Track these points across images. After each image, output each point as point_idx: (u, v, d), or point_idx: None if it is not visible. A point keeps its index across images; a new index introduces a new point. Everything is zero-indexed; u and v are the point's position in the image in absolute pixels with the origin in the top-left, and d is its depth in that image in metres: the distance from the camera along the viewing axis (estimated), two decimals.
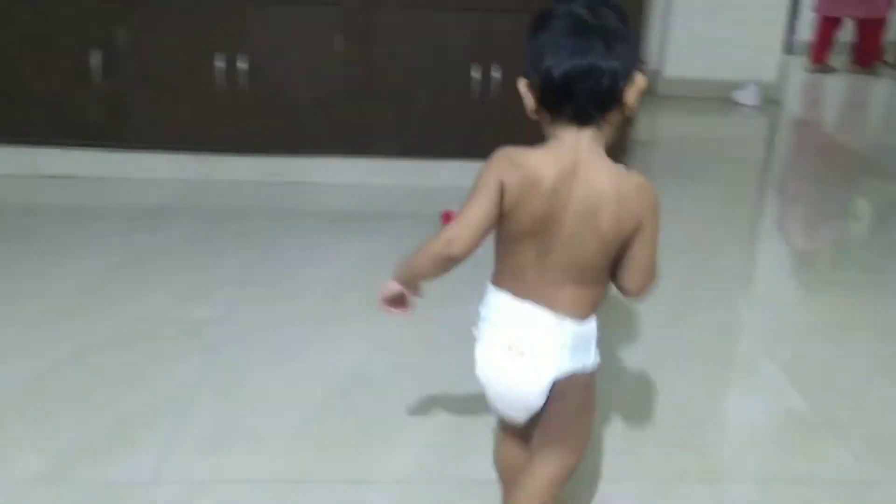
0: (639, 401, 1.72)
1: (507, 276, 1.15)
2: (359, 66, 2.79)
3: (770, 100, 4.70)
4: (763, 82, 4.70)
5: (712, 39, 4.63)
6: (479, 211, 1.11)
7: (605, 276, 1.13)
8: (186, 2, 2.71)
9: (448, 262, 1.15)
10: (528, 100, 1.12)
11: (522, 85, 1.13)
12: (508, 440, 1.26)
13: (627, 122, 1.25)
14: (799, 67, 5.89)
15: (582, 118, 1.07)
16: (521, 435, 1.21)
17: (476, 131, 2.89)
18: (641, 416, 1.67)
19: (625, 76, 1.04)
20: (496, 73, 2.81)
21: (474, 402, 1.66)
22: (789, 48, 6.21)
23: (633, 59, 1.07)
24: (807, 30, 6.33)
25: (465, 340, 1.89)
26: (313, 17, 2.76)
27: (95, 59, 2.71)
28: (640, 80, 1.07)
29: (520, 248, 1.12)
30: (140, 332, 1.89)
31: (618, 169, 1.11)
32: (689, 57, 4.67)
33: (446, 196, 2.85)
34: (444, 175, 2.98)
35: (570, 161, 1.07)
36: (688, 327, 2.05)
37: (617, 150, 3.03)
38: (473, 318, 2.00)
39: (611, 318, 2.04)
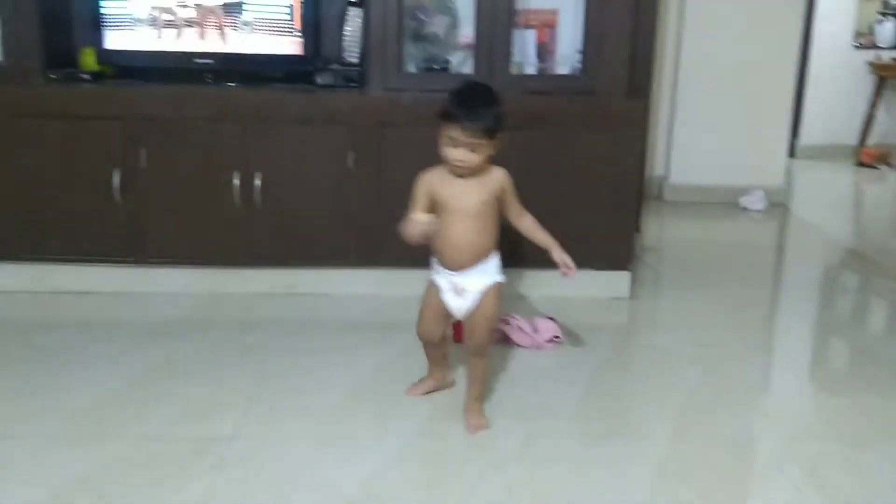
0: None
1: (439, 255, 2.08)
2: (369, 181, 2.88)
3: (777, 204, 4.77)
4: (769, 187, 4.77)
5: (717, 146, 4.75)
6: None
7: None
8: (204, 124, 2.83)
9: None
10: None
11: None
12: (432, 318, 2.10)
13: None
14: (805, 170, 6.00)
15: None
16: (438, 325, 2.11)
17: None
18: None
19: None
20: None
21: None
22: (794, 152, 6.36)
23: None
24: (810, 134, 6.48)
25: (475, 453, 1.89)
26: (327, 137, 2.87)
27: (116, 178, 2.82)
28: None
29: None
30: (150, 452, 1.89)
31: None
32: (694, 163, 4.78)
33: None
34: None
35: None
36: (700, 441, 2.02)
37: (626, 257, 3.07)
38: (482, 433, 1.99)
39: (614, 427, 2.04)
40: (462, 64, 3.06)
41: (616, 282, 3.04)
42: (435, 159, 2.95)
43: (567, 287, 3.00)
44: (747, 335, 2.77)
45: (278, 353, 2.47)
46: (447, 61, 3.06)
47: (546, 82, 3.05)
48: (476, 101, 1.91)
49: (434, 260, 2.06)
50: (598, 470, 1.86)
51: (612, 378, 2.39)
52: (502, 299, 2.09)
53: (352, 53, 3.01)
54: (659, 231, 4.26)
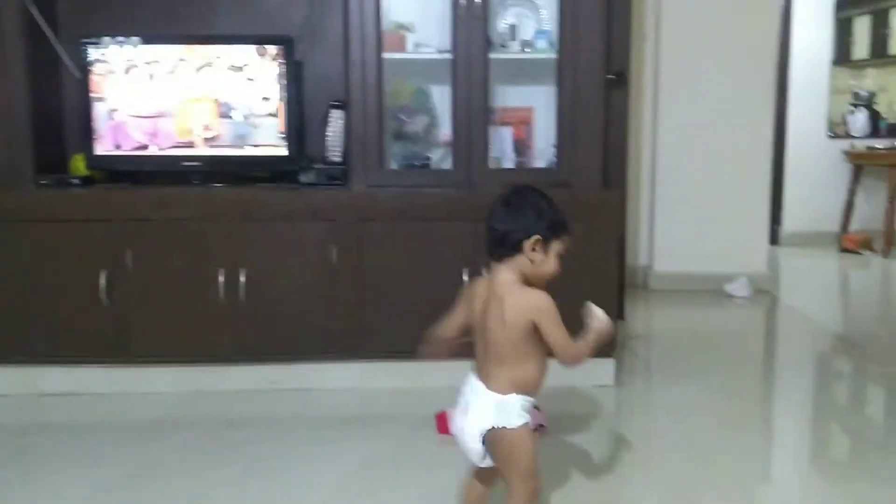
0: None
1: (475, 362, 1.80)
2: (352, 275, 2.93)
3: (762, 291, 4.81)
4: (753, 274, 4.83)
5: (699, 234, 4.83)
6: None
7: (518, 360, 1.73)
8: (190, 223, 2.90)
9: None
10: None
11: None
12: (472, 478, 1.87)
13: (540, 277, 1.77)
14: (790, 257, 6.08)
15: (492, 257, 1.75)
16: (479, 475, 1.85)
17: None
18: None
19: (514, 233, 1.71)
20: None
21: None
22: (778, 240, 6.46)
23: (524, 225, 1.71)
24: (792, 221, 6.60)
25: None
26: (310, 232, 2.94)
27: (102, 280, 2.86)
28: (535, 240, 1.72)
29: (476, 342, 1.80)
30: None
31: (521, 289, 1.72)
32: (677, 252, 4.85)
33: (439, 396, 2.87)
34: (437, 376, 3.02)
35: (492, 284, 1.75)
36: None
37: (609, 345, 3.08)
38: None
39: None
40: (442, 160, 3.16)
41: (600, 370, 3.05)
42: (418, 252, 3.02)
43: (551, 375, 3.02)
44: (735, 422, 2.76)
45: (264, 449, 2.45)
46: (428, 158, 3.17)
47: (523, 176, 3.14)
48: (551, 204, 1.78)
49: (525, 397, 1.78)
50: None
51: (597, 466, 2.37)
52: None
53: (335, 152, 3.11)
54: (645, 319, 4.28)
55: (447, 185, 3.01)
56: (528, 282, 1.73)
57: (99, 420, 2.73)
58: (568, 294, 2.99)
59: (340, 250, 2.93)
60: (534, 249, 1.71)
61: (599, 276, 2.99)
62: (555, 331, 1.70)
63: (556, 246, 1.74)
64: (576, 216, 2.93)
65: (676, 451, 2.44)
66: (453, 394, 2.93)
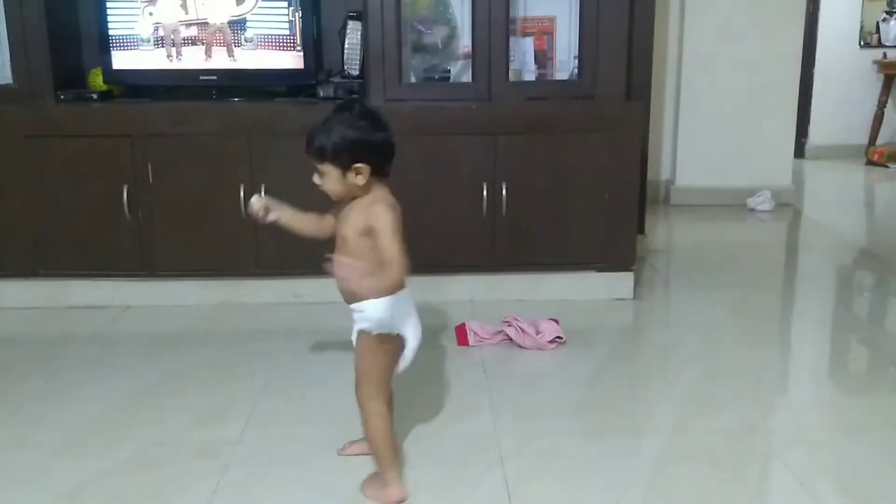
0: None
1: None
2: None
3: (785, 204, 4.77)
4: (777, 188, 4.78)
5: (722, 147, 4.76)
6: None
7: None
8: (209, 138, 2.90)
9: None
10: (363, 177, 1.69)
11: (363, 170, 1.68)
12: None
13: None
14: (815, 170, 5.99)
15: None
16: None
17: (487, 246, 2.98)
18: None
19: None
20: (504, 191, 2.93)
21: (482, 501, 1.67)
22: (804, 153, 6.36)
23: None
24: (819, 134, 6.48)
25: (475, 453, 1.91)
26: None
27: (124, 194, 2.88)
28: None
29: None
30: (157, 456, 1.93)
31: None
32: (700, 166, 4.79)
33: (459, 309, 2.92)
34: (457, 289, 3.06)
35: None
36: (699, 433, 2.04)
37: (629, 258, 3.08)
38: (483, 432, 2.03)
39: (614, 423, 2.06)
40: (462, 73, 3.11)
41: (619, 283, 3.06)
42: (439, 167, 3.01)
43: (570, 289, 3.04)
44: (754, 334, 2.78)
45: (285, 360, 2.51)
46: (447, 71, 3.11)
47: (544, 88, 3.09)
48: (325, 123, 1.69)
49: None
50: (597, 465, 1.88)
51: (613, 377, 2.41)
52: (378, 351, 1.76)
53: (352, 65, 3.06)
54: (665, 234, 4.27)
55: (466, 98, 2.97)
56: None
57: (124, 332, 2.80)
58: (589, 205, 3.00)
59: None
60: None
61: (620, 190, 2.97)
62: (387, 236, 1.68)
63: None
64: (598, 128, 2.94)
65: (694, 364, 2.47)
66: (471, 307, 2.98)
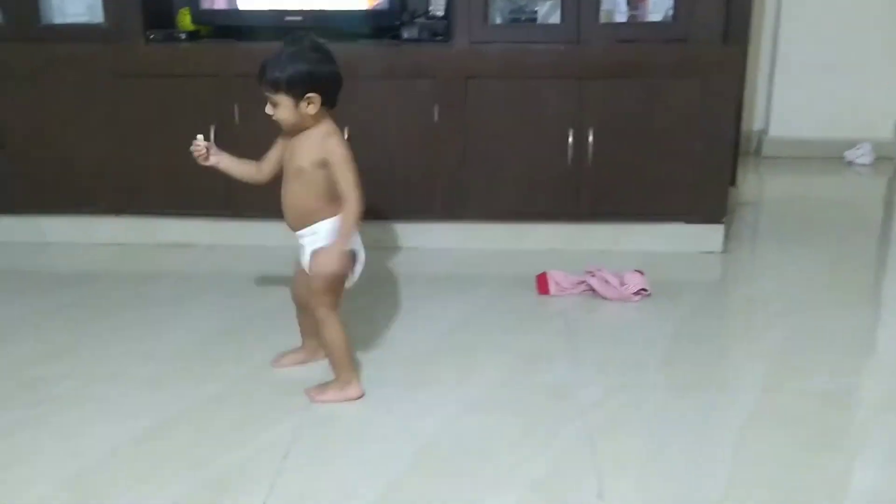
0: (736, 469, 1.65)
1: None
2: (453, 134, 2.88)
3: (886, 158, 4.51)
4: (877, 140, 4.52)
5: (821, 98, 4.52)
6: None
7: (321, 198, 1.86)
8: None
9: None
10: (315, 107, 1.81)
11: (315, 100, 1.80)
12: (297, 277, 2.00)
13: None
14: None
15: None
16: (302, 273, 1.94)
17: (570, 194, 2.91)
18: (738, 485, 1.60)
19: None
20: (591, 138, 2.84)
21: (565, 464, 1.65)
22: None
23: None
24: None
25: (557, 403, 1.88)
26: (412, 90, 2.88)
27: (211, 134, 2.91)
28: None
29: None
30: (244, 391, 1.97)
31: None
32: (796, 116, 4.56)
33: (539, 258, 2.87)
34: (536, 238, 3.01)
35: None
36: (792, 393, 1.96)
37: (719, 210, 2.95)
38: (565, 382, 2.00)
39: (700, 380, 2.00)
40: (550, 14, 3.00)
41: (708, 236, 2.96)
42: (523, 112, 2.94)
43: (656, 241, 2.96)
44: (847, 291, 2.66)
45: (366, 303, 2.52)
46: (534, 12, 3.01)
47: (636, 30, 2.96)
48: (278, 56, 1.80)
49: None
50: (683, 420, 1.83)
51: (701, 331, 2.34)
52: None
53: (437, 6, 3.00)
54: (756, 186, 4.10)
55: (554, 40, 2.88)
56: None
57: (210, 271, 2.86)
58: (679, 154, 2.89)
59: (442, 109, 2.88)
60: None
61: (714, 140, 2.85)
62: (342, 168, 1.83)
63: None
64: (692, 73, 2.81)
65: (784, 322, 2.37)
66: (552, 256, 2.93)
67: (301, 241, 1.91)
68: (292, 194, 1.89)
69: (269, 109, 1.82)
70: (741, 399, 1.92)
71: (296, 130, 1.85)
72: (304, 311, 2.03)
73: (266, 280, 2.73)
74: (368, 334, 2.30)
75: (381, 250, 3.01)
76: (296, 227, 1.90)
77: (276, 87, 1.78)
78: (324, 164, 1.82)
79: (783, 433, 1.78)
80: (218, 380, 2.02)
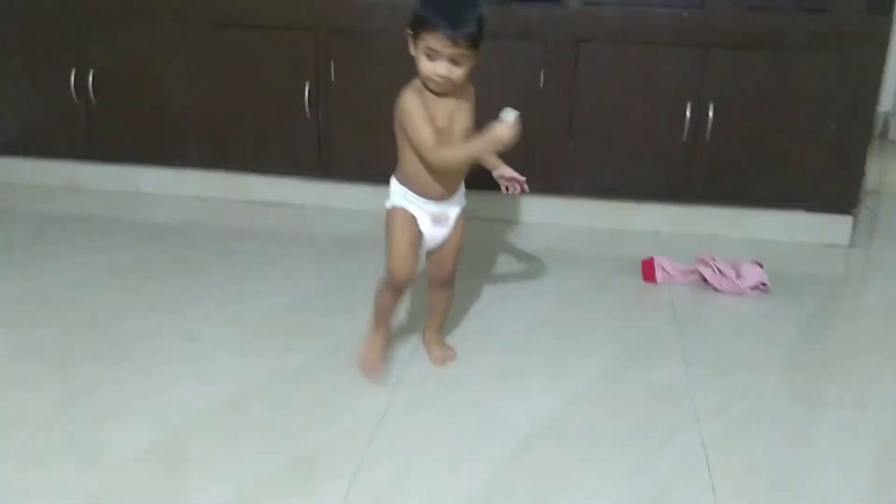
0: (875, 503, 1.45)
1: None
2: (560, 102, 2.69)
3: None
4: None
5: None
6: None
7: (401, 152, 1.70)
8: (392, 36, 2.73)
9: None
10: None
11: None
12: (412, 252, 1.73)
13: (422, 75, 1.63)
14: None
15: None
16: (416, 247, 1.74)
17: (683, 173, 2.70)
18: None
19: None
20: (711, 112, 2.61)
21: (676, 479, 1.47)
22: None
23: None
24: None
25: (668, 406, 1.70)
26: (518, 52, 2.70)
27: (306, 91, 2.80)
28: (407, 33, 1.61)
29: None
30: (328, 364, 1.87)
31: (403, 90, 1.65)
32: None
33: (643, 240, 2.68)
34: (642, 219, 2.80)
35: None
36: None
37: (850, 200, 2.66)
38: (675, 384, 1.81)
39: (829, 390, 1.77)
40: None
41: (834, 227, 2.70)
42: (637, 81, 2.71)
43: (775, 229, 2.71)
44: None
45: (461, 275, 2.38)
46: None
47: None
48: (456, 3, 1.54)
49: (402, 188, 1.73)
50: (811, 438, 1.63)
51: (828, 334, 2.12)
52: None
53: None
54: (881, 174, 3.76)
55: (676, 4, 2.63)
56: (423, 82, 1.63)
57: (299, 231, 2.77)
58: (810, 135, 2.62)
59: (549, 74, 2.68)
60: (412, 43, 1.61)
61: (851, 120, 2.57)
62: (411, 129, 1.62)
63: (421, 44, 1.57)
64: (831, 45, 2.53)
65: None
66: (660, 239, 2.72)
67: (448, 210, 1.74)
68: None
69: (445, 69, 1.56)
70: (881, 419, 1.70)
71: (453, 90, 1.63)
72: (440, 289, 1.86)
73: (353, 245, 2.63)
74: (461, 317, 2.16)
75: (476, 221, 2.85)
76: (451, 193, 1.73)
77: (475, 41, 1.56)
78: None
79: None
80: (303, 351, 1.92)
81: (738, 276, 2.31)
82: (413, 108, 1.60)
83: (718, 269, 2.32)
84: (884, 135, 4.32)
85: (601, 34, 2.65)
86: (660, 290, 2.34)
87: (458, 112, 1.66)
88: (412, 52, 1.61)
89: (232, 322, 2.07)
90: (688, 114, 2.62)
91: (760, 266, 2.36)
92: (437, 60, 1.56)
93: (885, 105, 4.33)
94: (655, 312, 2.19)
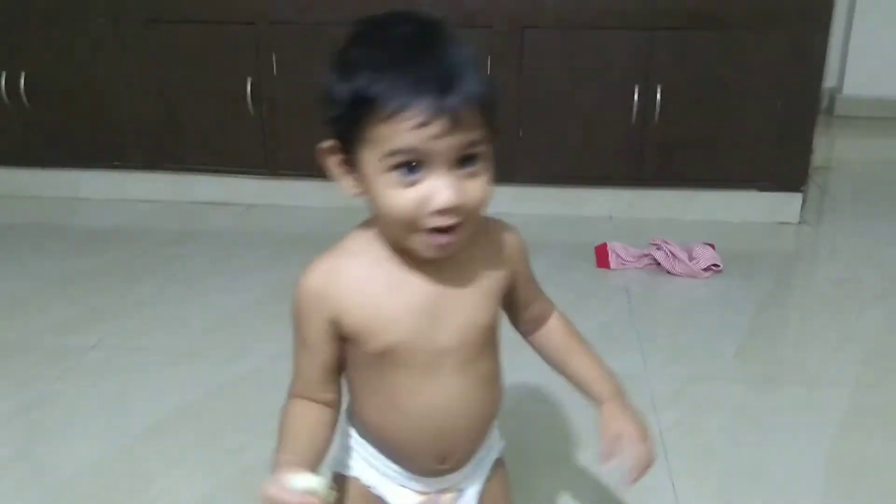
0: (831, 480, 1.45)
1: None
2: (507, 90, 2.65)
3: None
4: None
5: None
6: None
7: None
8: (334, 26, 2.67)
9: None
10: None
11: None
12: None
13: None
14: None
15: None
16: None
17: (633, 157, 2.69)
18: (834, 498, 1.40)
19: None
20: (659, 95, 2.60)
21: None
22: None
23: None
24: None
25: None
26: (462, 40, 2.65)
27: (248, 87, 2.73)
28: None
29: None
30: (280, 368, 1.81)
31: None
32: (875, 72, 4.22)
33: (596, 226, 2.66)
34: (594, 204, 2.79)
35: None
36: (889, 388, 1.74)
37: (799, 177, 2.67)
38: (632, 372, 1.78)
39: (784, 371, 1.78)
40: None
41: (784, 205, 2.71)
42: (584, 66, 2.70)
43: (726, 209, 2.72)
44: None
45: None
46: None
47: None
48: (415, 41, 0.79)
49: (362, 443, 0.98)
50: (766, 420, 1.63)
51: (782, 315, 2.12)
52: None
53: None
54: (829, 150, 3.80)
55: None
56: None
57: (246, 232, 2.71)
58: (756, 114, 2.63)
59: (495, 61, 2.64)
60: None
61: (797, 98, 2.59)
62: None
63: (368, 156, 0.79)
64: (774, 22, 2.54)
65: (877, 305, 2.14)
66: (612, 224, 2.71)
67: (460, 483, 0.96)
68: (468, 393, 0.91)
69: (449, 192, 0.78)
70: (834, 396, 1.71)
71: (459, 246, 0.84)
72: None
73: (304, 244, 2.56)
74: None
75: None
76: (471, 452, 0.95)
77: (486, 102, 0.79)
78: (508, 290, 0.96)
79: (885, 437, 1.57)
80: (254, 356, 1.87)
81: (691, 258, 2.31)
82: (298, 309, 0.90)
83: (671, 253, 2.32)
84: (829, 111, 4.36)
85: (545, 19, 2.62)
86: (614, 275, 2.33)
87: (463, 291, 0.89)
88: (345, 185, 0.86)
89: (180, 329, 2.01)
90: (635, 97, 2.61)
91: (712, 247, 2.36)
92: (428, 178, 0.77)
93: (829, 81, 4.38)
94: (610, 299, 2.18)
